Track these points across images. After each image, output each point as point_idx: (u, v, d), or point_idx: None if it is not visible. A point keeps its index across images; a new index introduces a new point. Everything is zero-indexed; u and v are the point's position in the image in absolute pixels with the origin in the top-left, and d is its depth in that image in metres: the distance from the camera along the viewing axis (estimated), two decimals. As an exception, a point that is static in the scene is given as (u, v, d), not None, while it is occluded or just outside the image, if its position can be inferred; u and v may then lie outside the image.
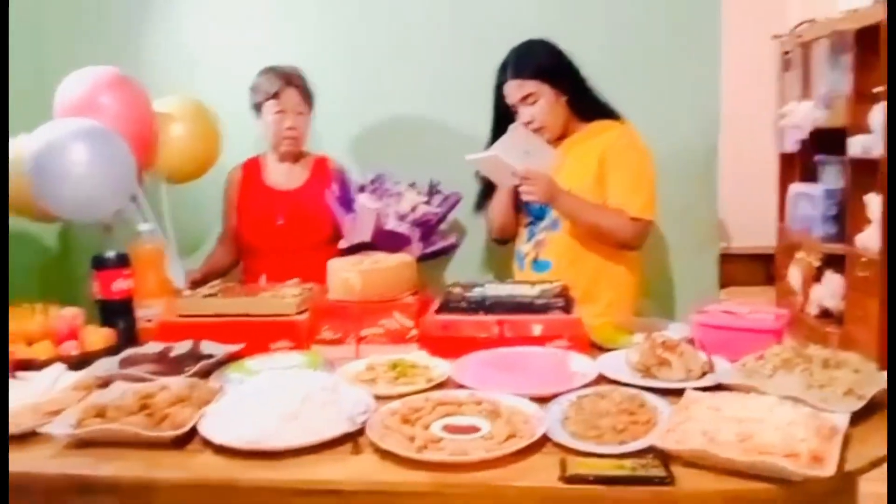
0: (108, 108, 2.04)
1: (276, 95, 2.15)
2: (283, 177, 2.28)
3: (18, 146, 1.99)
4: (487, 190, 2.14)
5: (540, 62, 2.00)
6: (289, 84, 2.15)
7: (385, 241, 2.06)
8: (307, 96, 2.20)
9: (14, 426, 1.29)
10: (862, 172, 3.82)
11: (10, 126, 2.16)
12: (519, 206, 2.14)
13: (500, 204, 2.13)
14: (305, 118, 2.21)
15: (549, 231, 2.06)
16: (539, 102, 1.99)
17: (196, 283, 2.07)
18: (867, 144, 3.73)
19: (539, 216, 2.09)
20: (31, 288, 2.26)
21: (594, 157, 2.00)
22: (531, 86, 1.98)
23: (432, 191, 2.25)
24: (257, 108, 2.21)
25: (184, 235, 2.31)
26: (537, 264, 2.08)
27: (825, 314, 4.27)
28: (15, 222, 2.24)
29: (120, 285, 1.83)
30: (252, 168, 2.31)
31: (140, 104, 2.15)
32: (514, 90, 2.00)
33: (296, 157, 2.28)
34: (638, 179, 1.99)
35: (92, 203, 1.91)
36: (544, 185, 1.92)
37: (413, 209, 2.18)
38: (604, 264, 2.03)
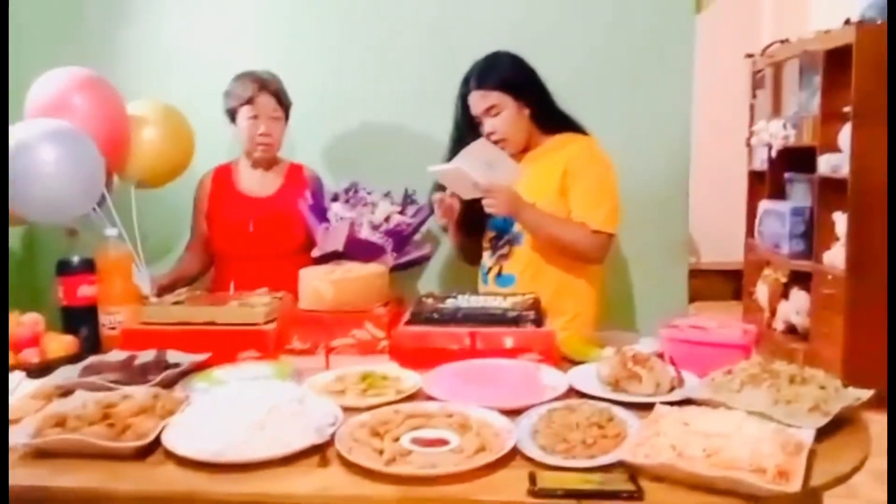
0: (80, 109, 2.00)
1: (250, 101, 2.13)
2: (255, 183, 2.26)
3: None
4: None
5: (504, 74, 2.01)
6: (263, 89, 2.14)
7: (358, 250, 2.06)
8: (282, 102, 2.18)
9: (-30, 435, 1.26)
10: (830, 191, 3.88)
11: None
12: (471, 232, 2.16)
13: (453, 234, 2.19)
14: (280, 124, 2.20)
15: (512, 245, 2.07)
16: (502, 114, 2.00)
17: (163, 290, 2.04)
18: (835, 163, 3.80)
19: (502, 230, 2.10)
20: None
21: (557, 170, 2.01)
22: (494, 97, 1.99)
23: (407, 201, 2.25)
24: (231, 113, 2.18)
25: (151, 241, 2.27)
26: (501, 278, 2.09)
27: (791, 330, 4.34)
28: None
29: (84, 291, 1.81)
30: (224, 174, 2.29)
31: (112, 106, 2.12)
32: (478, 101, 2.01)
33: (269, 163, 2.26)
34: (600, 192, 2.00)
35: (59, 205, 1.88)
36: (507, 199, 1.92)
37: (387, 219, 2.17)
38: (566, 277, 2.03)
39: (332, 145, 2.56)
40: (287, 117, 2.23)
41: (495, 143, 2.00)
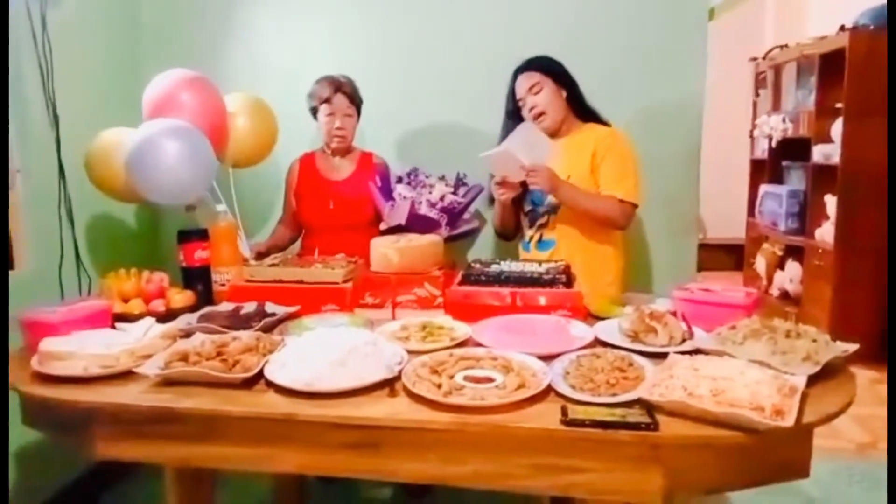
0: (187, 104, 2.01)
1: (327, 100, 2.14)
2: (334, 169, 2.27)
3: (118, 138, 2.01)
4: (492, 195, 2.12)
5: (544, 62, 2.03)
6: (338, 90, 2.14)
7: (418, 224, 2.05)
8: (354, 101, 2.19)
9: (113, 366, 1.32)
10: (822, 176, 3.75)
11: (110, 118, 2.17)
12: (517, 211, 2.14)
13: (500, 212, 2.16)
14: (352, 120, 2.20)
15: (550, 215, 2.06)
16: (543, 91, 2.00)
17: (260, 256, 2.07)
18: (827, 152, 3.66)
19: (539, 204, 2.09)
20: (128, 256, 2.29)
21: (587, 151, 1.99)
22: (536, 77, 2.00)
23: (459, 183, 2.24)
24: (313, 111, 2.20)
25: (247, 216, 2.31)
26: (542, 244, 2.08)
27: (785, 296, 4.22)
28: (117, 204, 2.27)
29: (200, 255, 1.85)
30: (309, 161, 2.31)
31: (214, 101, 2.13)
32: (523, 82, 2.02)
33: (344, 152, 2.27)
34: (624, 169, 1.97)
35: (179, 190, 1.91)
36: (547, 176, 1.91)
37: (442, 198, 2.16)
38: (594, 242, 2.01)
39: (397, 136, 2.55)
40: (359, 113, 2.22)
41: (537, 116, 2.00)
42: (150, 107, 2.03)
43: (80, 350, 1.34)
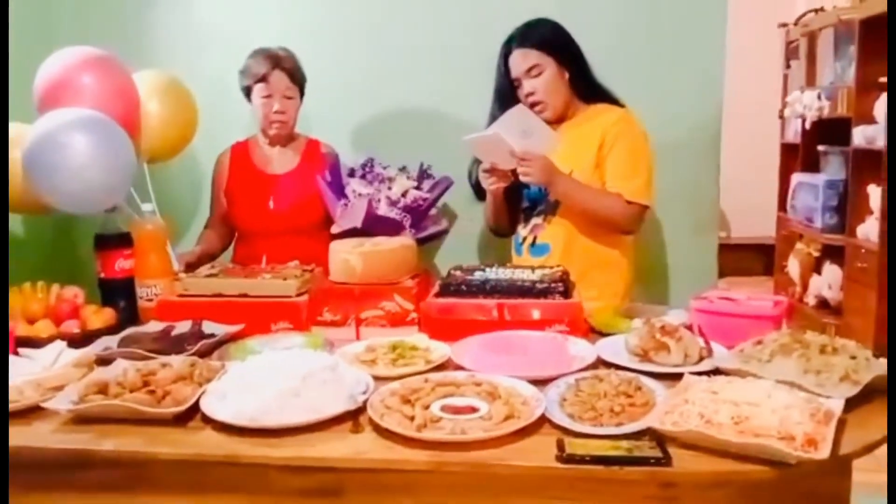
0: (88, 89, 1.97)
1: (264, 78, 2.12)
2: (273, 160, 2.26)
3: (13, 134, 1.96)
4: (480, 187, 2.12)
5: (545, 35, 2.01)
6: (277, 67, 2.13)
7: (376, 226, 2.05)
8: (296, 80, 2.17)
9: (17, 401, 1.30)
10: (865, 163, 3.82)
11: (14, 107, 2.14)
12: (512, 203, 2.15)
13: (492, 204, 2.15)
14: (294, 102, 2.19)
15: (547, 215, 2.07)
16: (543, 75, 1.99)
17: (190, 266, 2.06)
18: (870, 135, 3.73)
19: (537, 200, 2.10)
20: (34, 267, 2.26)
21: (593, 141, 2.00)
22: (536, 56, 1.99)
23: (423, 175, 2.23)
24: (246, 91, 2.18)
25: (167, 220, 2.28)
26: (535, 248, 2.09)
27: (823, 305, 4.30)
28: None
29: (122, 265, 1.85)
30: (241, 151, 2.29)
31: (122, 83, 2.09)
32: (520, 60, 2.00)
33: (286, 140, 2.26)
34: (635, 164, 1.99)
35: (94, 195, 1.88)
36: (542, 167, 1.91)
37: (404, 194, 2.16)
38: (599, 248, 2.03)
39: (346, 120, 2.55)
40: (302, 94, 2.22)
41: (534, 104, 2.00)
42: (43, 93, 1.97)
43: (-27, 382, 1.32)
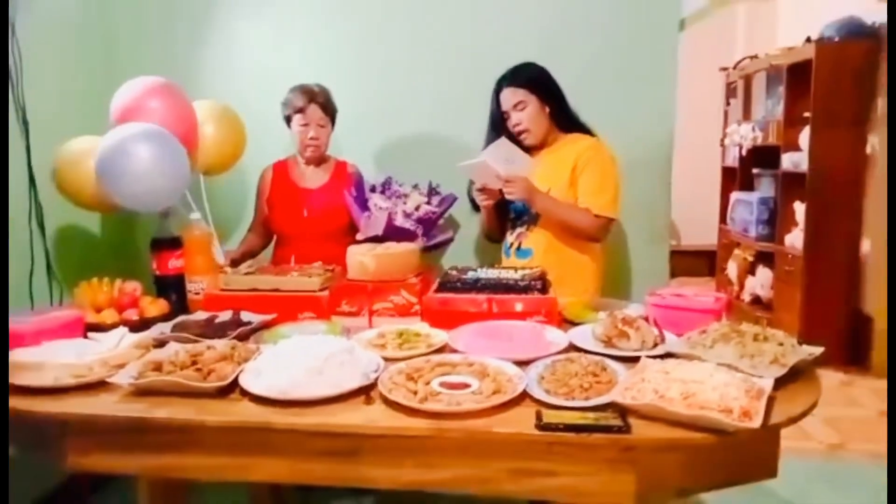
0: (156, 112, 1.99)
1: (301, 110, 2.14)
2: (308, 177, 2.27)
3: (87, 146, 1.98)
4: (475, 202, 2.15)
5: (531, 76, 2.03)
6: (312, 101, 2.14)
7: (394, 235, 2.05)
8: (329, 111, 2.19)
9: (86, 376, 1.31)
10: (791, 184, 3.84)
11: (83, 125, 2.14)
12: (501, 215, 2.16)
13: (485, 216, 2.18)
14: (326, 130, 2.20)
15: (530, 224, 2.08)
16: (527, 109, 2.01)
17: (234, 262, 2.07)
18: (796, 160, 3.75)
19: (521, 213, 2.11)
20: (101, 265, 2.26)
21: (568, 164, 2.01)
22: (522, 94, 2.01)
23: (432, 192, 2.25)
24: (287, 119, 2.20)
25: (219, 223, 2.29)
26: (520, 252, 2.10)
27: (757, 301, 4.30)
28: (89, 213, 2.24)
29: (173, 263, 1.85)
30: (282, 168, 2.30)
31: (183, 107, 2.11)
32: (508, 97, 2.03)
33: (318, 161, 2.27)
34: (603, 183, 2.00)
35: (154, 196, 1.90)
36: (523, 187, 1.94)
37: (417, 208, 2.17)
38: (573, 253, 2.04)
39: (369, 145, 2.57)
40: (333, 123, 2.23)
41: (520, 133, 2.03)
42: (118, 114, 2.00)
43: (51, 360, 1.32)
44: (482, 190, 2.03)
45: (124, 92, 2.03)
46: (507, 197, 1.98)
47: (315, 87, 2.18)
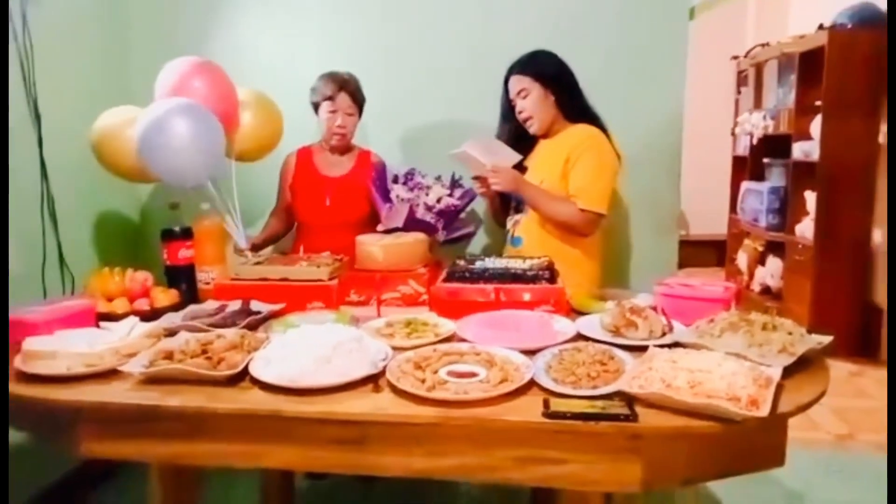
0: (199, 90, 1.97)
1: (330, 98, 2.13)
2: (331, 165, 2.26)
3: (128, 116, 1.98)
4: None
5: (536, 65, 2.02)
6: (342, 89, 2.13)
7: (415, 228, 2.04)
8: (357, 100, 2.17)
9: (98, 364, 1.32)
10: (802, 173, 3.81)
11: (96, 116, 2.15)
12: (504, 200, 2.18)
13: (490, 203, 2.25)
14: (354, 119, 2.19)
15: (521, 214, 2.10)
16: (530, 96, 2.02)
17: (255, 248, 2.09)
18: (807, 149, 3.71)
19: (519, 201, 2.11)
20: (112, 255, 2.28)
21: (561, 156, 2.00)
22: (525, 82, 2.01)
23: (454, 184, 2.22)
24: (315, 106, 2.19)
25: (245, 208, 2.28)
26: (513, 240, 2.11)
27: (766, 291, 4.28)
28: (101, 203, 2.25)
29: (184, 254, 1.85)
30: (306, 155, 2.29)
31: (226, 88, 2.09)
32: (513, 85, 2.04)
33: (343, 149, 2.26)
34: (593, 176, 1.96)
35: (192, 171, 1.88)
36: (509, 178, 1.98)
37: (439, 200, 2.15)
38: (563, 246, 2.00)
39: (394, 136, 2.55)
40: (361, 112, 2.21)
41: (525, 120, 2.05)
42: (164, 92, 1.99)
43: (63, 349, 1.33)
44: (477, 178, 2.07)
45: (170, 70, 2.01)
46: (493, 188, 2.00)
47: (346, 74, 2.17)
